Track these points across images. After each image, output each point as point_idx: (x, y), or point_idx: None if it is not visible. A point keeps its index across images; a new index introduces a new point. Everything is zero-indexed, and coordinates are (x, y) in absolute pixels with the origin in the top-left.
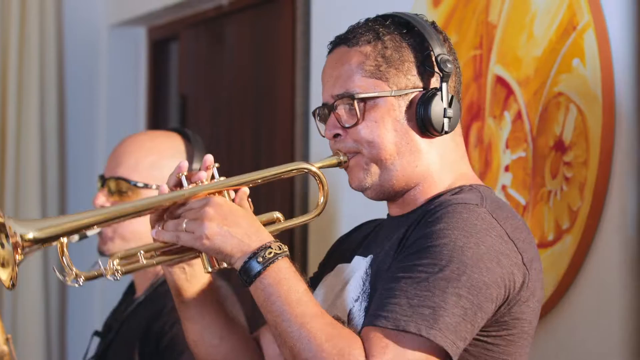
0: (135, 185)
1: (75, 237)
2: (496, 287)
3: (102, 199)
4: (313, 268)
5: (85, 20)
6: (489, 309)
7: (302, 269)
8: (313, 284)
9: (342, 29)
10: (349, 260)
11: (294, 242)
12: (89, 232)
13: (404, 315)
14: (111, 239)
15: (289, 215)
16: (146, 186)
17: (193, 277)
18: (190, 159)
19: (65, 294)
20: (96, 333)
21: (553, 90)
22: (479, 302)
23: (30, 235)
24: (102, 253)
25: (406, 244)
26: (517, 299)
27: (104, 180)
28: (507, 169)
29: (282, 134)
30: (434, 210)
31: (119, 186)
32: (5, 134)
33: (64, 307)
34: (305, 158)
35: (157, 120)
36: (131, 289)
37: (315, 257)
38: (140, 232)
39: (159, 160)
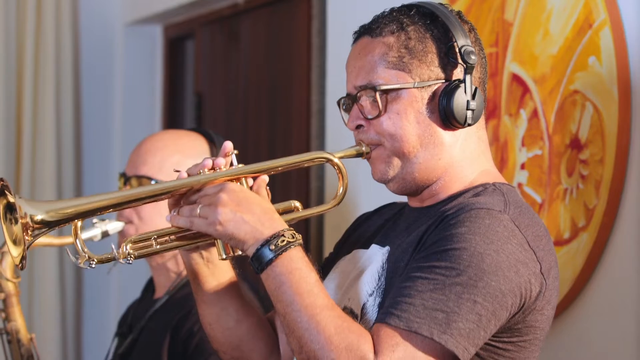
0: None
1: (98, 236)
2: (512, 295)
3: None
4: None
5: (101, 19)
6: (503, 317)
7: (318, 260)
8: (328, 265)
9: (358, 26)
10: (366, 246)
11: (310, 234)
12: (111, 230)
13: (417, 317)
14: None
15: (304, 207)
16: None
17: (211, 262)
18: None
19: (82, 292)
20: (117, 334)
21: (569, 88)
22: (493, 309)
23: (39, 217)
24: None
25: (425, 243)
26: (532, 308)
27: (126, 178)
28: (523, 166)
29: (297, 132)
30: (456, 213)
31: (143, 185)
32: (22, 132)
33: (79, 305)
34: None
35: (173, 118)
36: (150, 286)
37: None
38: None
39: (183, 159)
